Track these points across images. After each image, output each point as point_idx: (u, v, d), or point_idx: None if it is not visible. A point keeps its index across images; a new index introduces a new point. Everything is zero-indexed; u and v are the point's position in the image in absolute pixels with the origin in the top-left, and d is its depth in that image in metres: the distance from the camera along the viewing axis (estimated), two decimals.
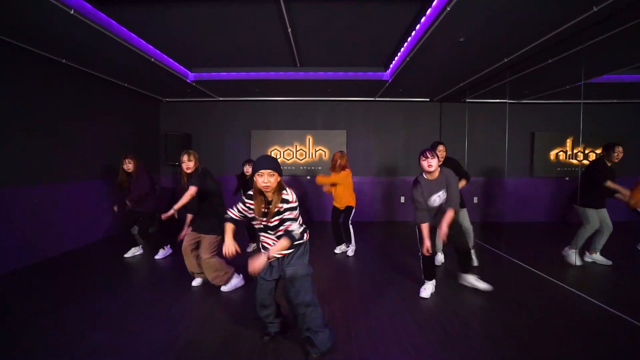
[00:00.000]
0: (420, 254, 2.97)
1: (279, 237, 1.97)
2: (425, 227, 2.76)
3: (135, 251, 4.24)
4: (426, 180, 2.78)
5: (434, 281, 3.02)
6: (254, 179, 1.91)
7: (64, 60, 4.04)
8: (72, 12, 2.77)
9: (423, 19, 3.21)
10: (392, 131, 6.62)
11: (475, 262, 3.72)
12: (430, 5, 2.94)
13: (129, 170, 4.07)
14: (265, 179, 1.85)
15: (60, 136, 4.32)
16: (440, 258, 3.89)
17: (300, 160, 6.57)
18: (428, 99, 6.44)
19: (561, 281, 3.29)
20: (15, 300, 2.86)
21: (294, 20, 3.36)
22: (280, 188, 1.93)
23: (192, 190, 2.93)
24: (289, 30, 3.48)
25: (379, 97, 6.25)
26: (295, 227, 1.91)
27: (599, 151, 6.30)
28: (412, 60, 3.98)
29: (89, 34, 3.22)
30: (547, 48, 3.53)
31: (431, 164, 2.67)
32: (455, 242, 2.91)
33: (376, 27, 3.56)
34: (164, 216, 3.13)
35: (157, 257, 4.13)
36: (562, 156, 6.49)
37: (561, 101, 6.33)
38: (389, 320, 2.52)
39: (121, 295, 2.95)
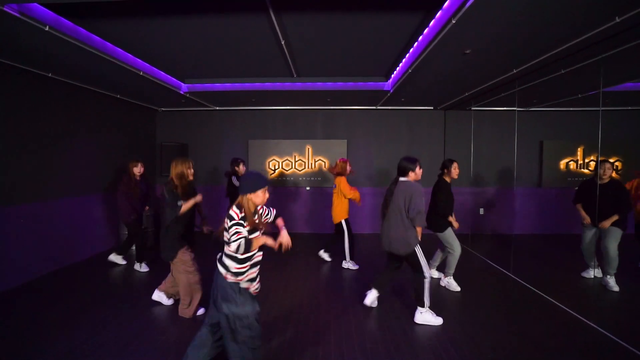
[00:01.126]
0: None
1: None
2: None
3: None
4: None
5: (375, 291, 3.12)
6: (258, 194, 1.88)
7: (50, 74, 3.87)
8: (47, 28, 2.58)
9: (426, 31, 2.98)
10: (395, 140, 6.37)
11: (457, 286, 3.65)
12: (433, 17, 2.71)
13: (140, 175, 4.26)
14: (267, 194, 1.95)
15: (51, 151, 4.14)
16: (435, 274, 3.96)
17: (300, 170, 6.36)
18: (432, 107, 6.19)
19: (573, 309, 3.04)
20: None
21: (287, 32, 3.14)
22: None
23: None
24: (282, 42, 3.27)
25: (380, 105, 6.01)
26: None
27: (612, 160, 6.03)
28: (414, 72, 3.74)
29: (70, 49, 3.04)
30: (561, 58, 3.28)
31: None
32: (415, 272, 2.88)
33: (375, 38, 3.32)
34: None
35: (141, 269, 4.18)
36: (572, 165, 6.20)
37: (578, 109, 6.04)
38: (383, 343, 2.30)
39: (106, 326, 2.75)
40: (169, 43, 3.41)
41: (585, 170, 6.17)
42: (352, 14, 2.84)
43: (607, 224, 3.50)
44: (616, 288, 3.51)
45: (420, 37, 3.14)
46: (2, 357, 2.35)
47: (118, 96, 5.11)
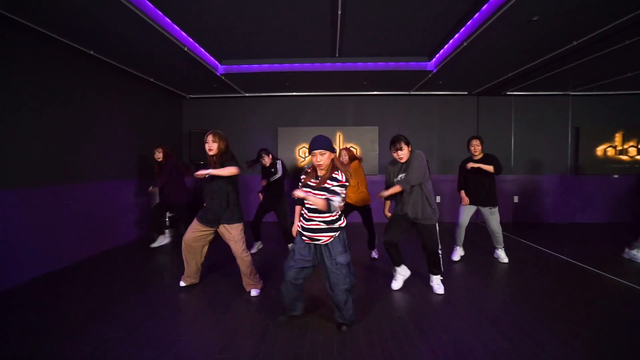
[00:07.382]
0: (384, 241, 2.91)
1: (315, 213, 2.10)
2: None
3: (161, 240, 4.52)
4: (396, 161, 2.89)
5: (402, 266, 3.02)
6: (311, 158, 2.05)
7: (92, 52, 3.78)
8: None
9: None
10: (426, 127, 6.25)
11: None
12: None
13: (159, 160, 4.39)
14: (318, 158, 2.01)
15: (85, 134, 4.03)
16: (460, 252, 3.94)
17: None
18: (466, 93, 6.06)
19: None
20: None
21: (346, 3, 3.04)
22: (333, 168, 2.05)
23: (233, 169, 2.82)
24: (339, 13, 3.17)
25: (414, 90, 5.89)
26: (336, 200, 1.99)
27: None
28: (467, 48, 3.63)
29: (128, 19, 2.95)
30: (626, 28, 3.16)
31: (401, 157, 2.78)
32: (425, 243, 2.88)
33: (429, 10, 3.22)
34: (197, 174, 2.79)
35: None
36: (610, 152, 6.06)
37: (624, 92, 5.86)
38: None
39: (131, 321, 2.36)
40: (215, 18, 3.34)
41: (624, 157, 6.03)
42: None
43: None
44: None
45: (485, 5, 3.03)
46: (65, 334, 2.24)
47: (152, 79, 5.02)
